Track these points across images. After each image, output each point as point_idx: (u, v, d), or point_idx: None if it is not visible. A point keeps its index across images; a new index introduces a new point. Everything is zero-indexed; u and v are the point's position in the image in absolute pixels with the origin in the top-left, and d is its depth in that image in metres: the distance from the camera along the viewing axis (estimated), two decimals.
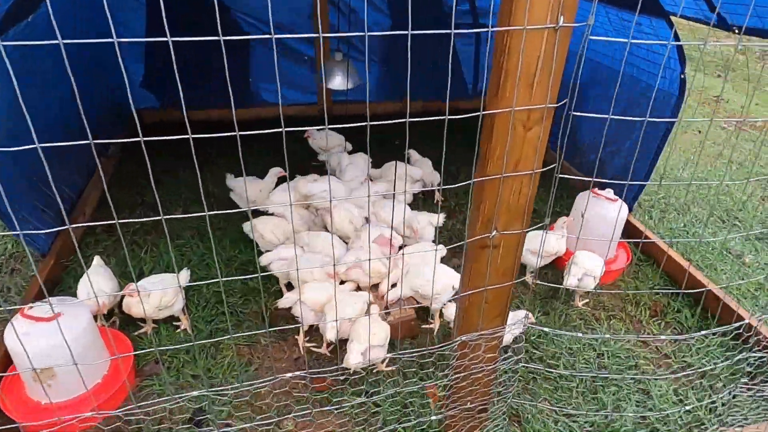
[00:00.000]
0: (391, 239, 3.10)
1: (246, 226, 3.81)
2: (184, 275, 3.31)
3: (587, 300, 3.61)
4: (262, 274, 1.37)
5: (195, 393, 1.43)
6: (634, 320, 3.48)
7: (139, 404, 1.42)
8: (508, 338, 2.45)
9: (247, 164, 5.01)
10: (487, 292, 1.57)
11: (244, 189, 3.35)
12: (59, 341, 2.51)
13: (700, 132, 6.47)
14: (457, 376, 1.71)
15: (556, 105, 1.31)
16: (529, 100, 1.28)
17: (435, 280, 3.00)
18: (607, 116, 1.32)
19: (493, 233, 1.46)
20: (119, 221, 1.12)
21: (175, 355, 3.06)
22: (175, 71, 1.12)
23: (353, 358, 2.66)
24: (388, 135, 5.74)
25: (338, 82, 4.97)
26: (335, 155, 4.65)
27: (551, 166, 1.42)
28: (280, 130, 1.15)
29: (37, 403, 2.66)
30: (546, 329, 1.73)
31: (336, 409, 2.07)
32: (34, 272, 3.55)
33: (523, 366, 1.78)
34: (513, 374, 1.79)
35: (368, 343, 2.74)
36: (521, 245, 1.54)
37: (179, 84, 1.14)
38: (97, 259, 3.24)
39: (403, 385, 2.81)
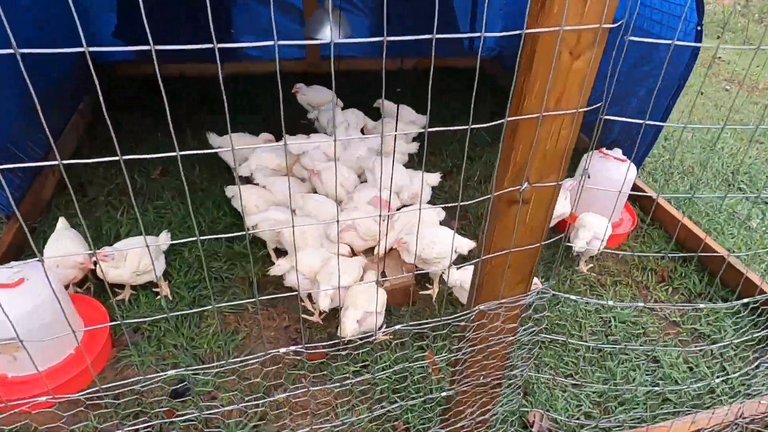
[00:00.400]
0: (390, 201, 2.87)
1: (229, 191, 3.53)
2: (164, 238, 3.06)
3: (591, 265, 3.44)
4: (251, 232, 1.16)
5: (171, 372, 1.21)
6: (640, 286, 3.33)
7: (102, 386, 1.20)
8: None
9: (230, 123, 4.67)
10: (512, 254, 1.35)
11: (239, 148, 3.07)
12: (22, 310, 2.28)
13: (702, 93, 6.25)
14: (472, 348, 1.52)
15: (612, 25, 1.06)
16: (581, 17, 1.03)
17: (436, 242, 2.80)
18: (670, 41, 1.08)
19: (524, 185, 1.23)
20: (63, 162, 0.86)
21: (156, 324, 2.84)
22: (144, 16, 0.85)
23: (349, 326, 2.48)
24: (380, 92, 5.43)
25: (328, 33, 4.64)
26: (325, 112, 4.35)
27: (597, 105, 1.19)
28: (273, 42, 0.89)
29: (2, 377, 2.43)
30: (573, 297, 1.53)
31: (337, 388, 1.89)
32: None
33: (544, 336, 1.60)
34: (532, 346, 1.61)
35: (364, 309, 2.55)
36: (555, 200, 1.32)
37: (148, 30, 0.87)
38: (61, 222, 2.96)
39: (403, 356, 2.64)
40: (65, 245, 2.79)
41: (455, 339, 2.70)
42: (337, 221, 1.07)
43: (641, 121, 1.18)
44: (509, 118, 1.12)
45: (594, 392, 2.58)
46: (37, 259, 1.15)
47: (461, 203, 1.15)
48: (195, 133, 4.47)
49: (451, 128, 1.02)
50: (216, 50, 0.87)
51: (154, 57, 0.81)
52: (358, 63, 5.88)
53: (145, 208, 3.64)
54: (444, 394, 1.63)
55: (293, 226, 1.09)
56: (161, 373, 1.16)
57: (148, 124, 4.60)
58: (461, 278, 2.70)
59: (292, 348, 1.28)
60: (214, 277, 3.16)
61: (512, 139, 1.18)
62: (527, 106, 1.13)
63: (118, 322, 1.20)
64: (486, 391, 1.71)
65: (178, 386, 2.56)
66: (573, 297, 1.51)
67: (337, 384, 1.78)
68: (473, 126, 1.04)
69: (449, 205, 1.23)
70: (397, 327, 1.40)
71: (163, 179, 3.95)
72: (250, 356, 1.26)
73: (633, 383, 2.63)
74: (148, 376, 1.14)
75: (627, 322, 3.00)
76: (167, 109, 1.00)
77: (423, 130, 0.98)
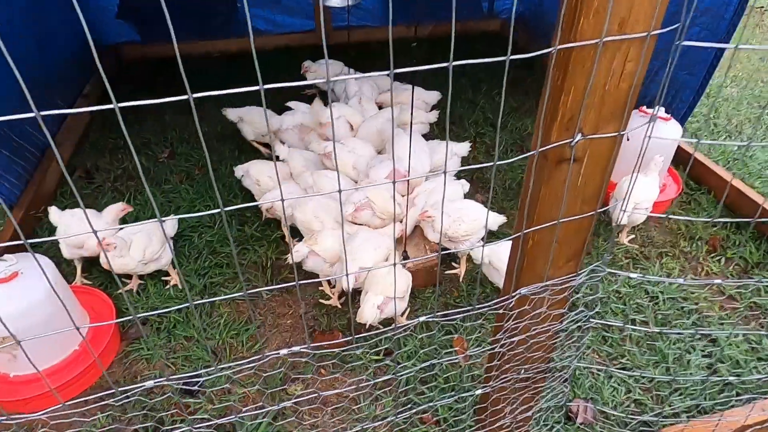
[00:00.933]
0: (408, 173, 2.62)
1: (239, 170, 3.31)
2: (171, 224, 2.88)
3: (633, 236, 3.14)
4: (261, 203, 0.95)
5: (149, 383, 1.00)
6: (689, 257, 3.02)
7: (68, 402, 1.00)
8: None
9: (240, 102, 4.46)
10: (560, 227, 1.10)
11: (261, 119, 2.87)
12: (16, 307, 2.12)
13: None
14: (511, 340, 1.27)
15: None
16: None
17: (464, 219, 2.54)
18: None
19: (577, 138, 0.97)
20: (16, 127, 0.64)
21: (166, 315, 2.68)
22: None
23: (368, 312, 2.26)
24: (397, 61, 5.13)
25: None
26: (339, 83, 4.10)
27: (675, 26, 0.91)
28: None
29: (4, 376, 2.30)
30: (633, 275, 1.27)
31: (353, 391, 1.69)
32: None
33: (596, 323, 1.35)
34: (583, 333, 1.37)
35: (385, 294, 2.33)
36: (614, 157, 1.05)
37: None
38: (54, 210, 2.75)
39: (429, 341, 2.42)
40: (77, 222, 2.64)
41: (488, 322, 2.46)
42: (339, 190, 0.83)
43: (731, 46, 0.90)
44: (559, 46, 0.85)
45: (644, 377, 2.32)
46: (53, 238, 0.96)
47: (498, 162, 0.89)
48: (205, 111, 4.27)
49: (484, 60, 0.76)
50: None
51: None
52: (371, 33, 5.57)
53: (152, 192, 3.47)
54: (479, 392, 1.40)
55: (281, 200, 0.85)
56: (137, 386, 0.95)
57: (155, 106, 4.40)
58: (491, 255, 2.44)
59: (295, 349, 1.06)
60: (225, 263, 2.97)
61: (562, 76, 0.91)
62: (582, 30, 0.86)
63: (138, 315, 1.00)
64: (528, 386, 1.47)
65: (189, 382, 2.40)
66: (633, 275, 1.24)
67: (353, 386, 1.56)
68: (512, 57, 0.78)
69: (481, 165, 0.98)
70: (422, 319, 1.16)
71: (171, 162, 3.76)
72: (246, 360, 1.04)
73: (688, 366, 2.36)
74: (124, 388, 0.93)
75: (677, 298, 2.72)
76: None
77: (446, 64, 0.73)
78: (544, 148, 0.98)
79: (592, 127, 0.98)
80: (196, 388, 2.31)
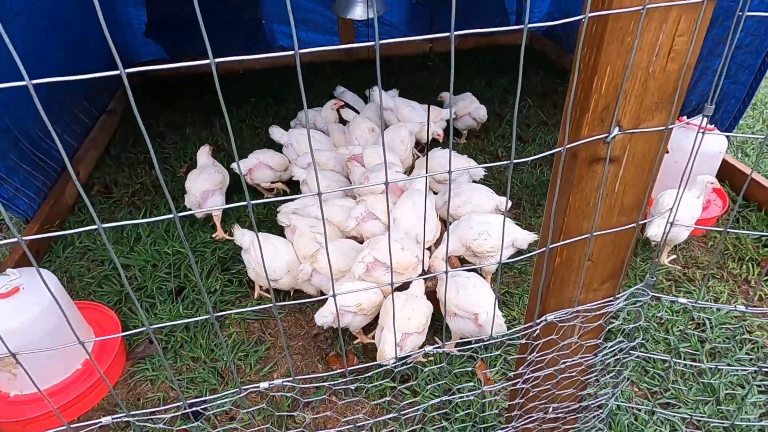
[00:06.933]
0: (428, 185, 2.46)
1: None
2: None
3: (675, 255, 2.89)
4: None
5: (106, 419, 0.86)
6: (738, 280, 2.74)
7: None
8: None
9: (261, 116, 4.42)
10: (594, 241, 0.92)
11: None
12: (16, 322, 2.04)
13: None
14: (537, 374, 1.09)
15: None
16: None
17: (490, 231, 2.36)
18: None
19: (614, 132, 0.80)
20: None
21: (172, 333, 2.57)
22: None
23: (389, 352, 2.08)
24: (419, 75, 5.03)
25: (360, 11, 4.28)
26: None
27: None
28: None
29: (4, 396, 2.21)
30: (682, 300, 1.07)
31: (376, 407, 1.51)
32: (14, 240, 3.10)
33: (638, 355, 1.14)
34: (622, 367, 1.17)
35: (404, 331, 2.15)
36: (660, 156, 0.87)
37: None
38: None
39: (449, 370, 2.22)
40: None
41: (512, 348, 2.25)
42: (324, 233, 0.68)
43: None
44: (590, 14, 0.69)
45: (692, 414, 2.06)
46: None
47: (515, 160, 0.73)
48: (225, 126, 4.24)
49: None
50: None
51: None
52: (394, 48, 5.48)
53: (169, 209, 3.40)
54: None
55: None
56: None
57: (175, 119, 4.41)
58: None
59: (277, 382, 0.91)
60: (237, 281, 2.85)
61: (594, 53, 0.75)
62: None
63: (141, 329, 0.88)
64: (557, 427, 1.27)
65: (193, 403, 2.27)
66: (681, 300, 1.05)
67: (366, 414, 1.39)
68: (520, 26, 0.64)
69: (496, 164, 0.82)
70: (428, 349, 0.99)
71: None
72: (223, 394, 0.89)
73: (743, 403, 2.09)
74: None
75: (728, 325, 2.45)
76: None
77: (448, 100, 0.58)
78: (572, 145, 0.81)
79: (633, 119, 0.80)
80: (199, 409, 2.17)
